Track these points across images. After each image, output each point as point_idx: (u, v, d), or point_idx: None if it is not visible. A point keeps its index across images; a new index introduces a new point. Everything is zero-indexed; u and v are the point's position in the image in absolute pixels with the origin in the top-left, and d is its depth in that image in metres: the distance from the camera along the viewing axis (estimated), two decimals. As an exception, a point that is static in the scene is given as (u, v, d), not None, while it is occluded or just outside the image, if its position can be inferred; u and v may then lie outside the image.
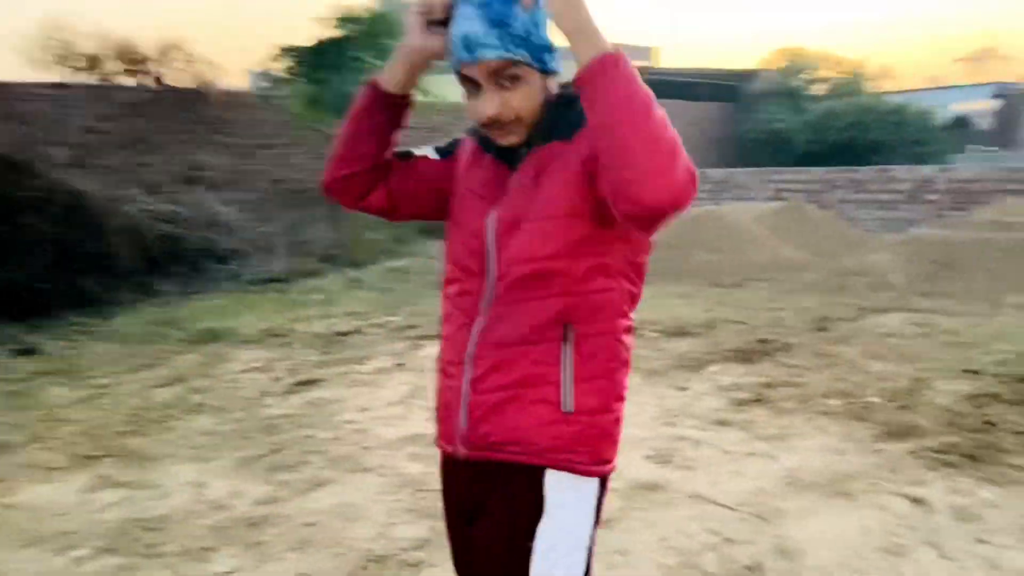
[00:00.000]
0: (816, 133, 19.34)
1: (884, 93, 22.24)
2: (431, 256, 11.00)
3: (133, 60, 12.47)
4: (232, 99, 12.76)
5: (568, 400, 1.36)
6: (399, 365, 5.54)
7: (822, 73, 22.43)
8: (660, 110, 1.18)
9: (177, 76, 12.66)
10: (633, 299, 1.44)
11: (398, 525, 3.13)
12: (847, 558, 2.79)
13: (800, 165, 15.36)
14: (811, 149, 18.90)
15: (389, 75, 1.47)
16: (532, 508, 1.35)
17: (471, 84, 1.36)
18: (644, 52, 32.77)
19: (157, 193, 10.48)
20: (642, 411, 4.35)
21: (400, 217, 1.63)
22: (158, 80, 12.54)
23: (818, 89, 22.19)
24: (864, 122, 18.90)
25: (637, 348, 5.71)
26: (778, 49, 22.30)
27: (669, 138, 1.17)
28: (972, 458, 3.58)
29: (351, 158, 1.52)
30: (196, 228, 9.42)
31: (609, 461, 1.41)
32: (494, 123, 1.37)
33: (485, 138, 1.48)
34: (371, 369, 5.46)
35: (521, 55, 1.32)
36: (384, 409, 4.60)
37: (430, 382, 5.06)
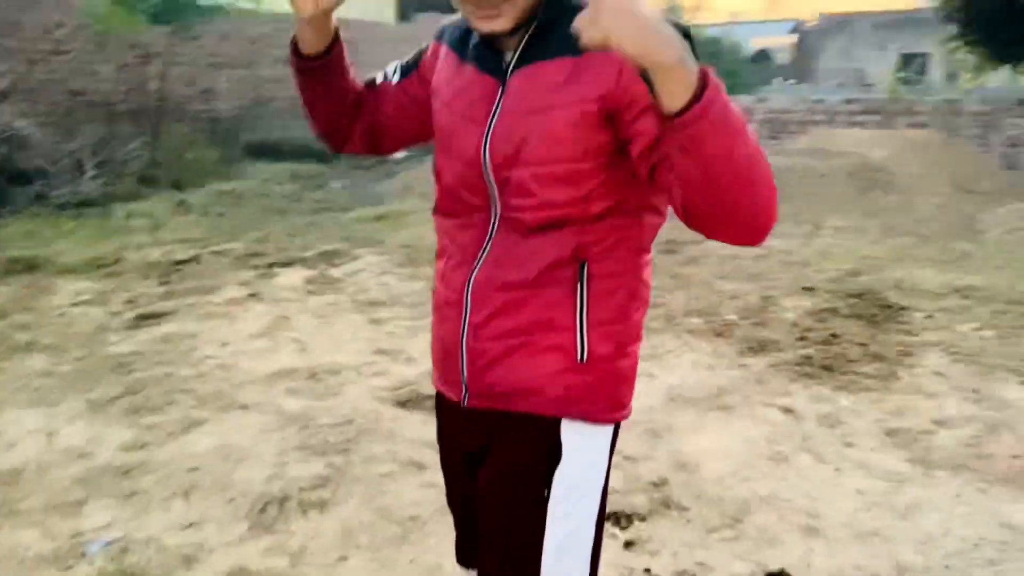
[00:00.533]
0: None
1: (697, 26, 23.17)
2: (264, 178, 10.37)
3: None
4: (17, -4, 11.15)
5: (583, 347, 1.24)
6: (252, 295, 5.19)
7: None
8: (754, 137, 0.98)
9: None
10: (654, 230, 1.29)
11: (291, 464, 2.96)
12: (738, 468, 2.95)
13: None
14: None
15: (301, 38, 1.33)
16: (547, 456, 1.26)
17: None
18: None
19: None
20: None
21: (388, 150, 1.49)
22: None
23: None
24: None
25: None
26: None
27: (768, 177, 1.00)
28: (826, 368, 3.89)
29: (314, 119, 1.44)
30: (-12, 144, 8.26)
31: (625, 405, 1.32)
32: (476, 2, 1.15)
33: (461, 41, 1.30)
34: (222, 300, 5.08)
35: None
36: (246, 343, 4.31)
37: (292, 313, 4.84)
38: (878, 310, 4.76)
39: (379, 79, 1.44)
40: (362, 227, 7.50)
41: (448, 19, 1.39)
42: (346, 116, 1.42)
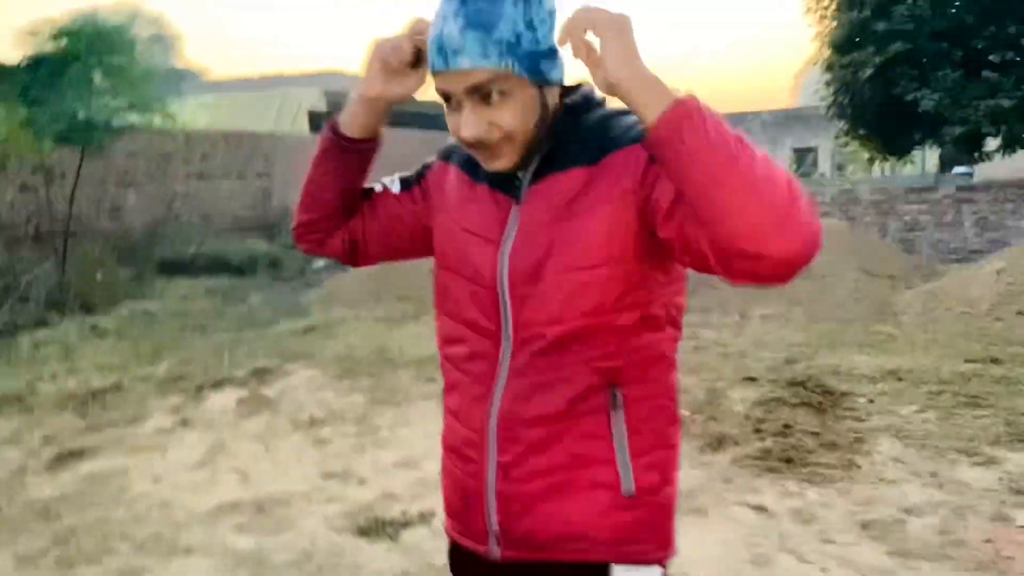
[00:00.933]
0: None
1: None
2: (180, 295, 10.02)
3: None
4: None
5: (628, 480, 1.16)
6: (183, 422, 4.90)
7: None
8: (757, 147, 0.97)
9: None
10: (677, 344, 1.23)
11: (251, 612, 2.71)
12: (724, 572, 2.86)
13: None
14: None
15: (349, 119, 1.28)
16: None
17: (444, 98, 1.15)
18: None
19: None
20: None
21: (369, 260, 1.42)
22: None
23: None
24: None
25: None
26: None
27: (782, 177, 0.96)
28: (787, 461, 3.88)
29: (311, 205, 1.36)
30: None
31: (673, 541, 1.24)
32: (477, 145, 1.14)
33: (470, 161, 1.25)
34: (150, 430, 4.77)
35: (506, 65, 1.07)
36: (183, 476, 4.02)
37: (228, 439, 4.56)
38: (822, 397, 4.84)
39: (377, 188, 1.40)
40: (291, 341, 7.26)
41: (446, 145, 1.37)
42: (344, 213, 1.36)
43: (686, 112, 0.94)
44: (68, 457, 4.30)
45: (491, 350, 1.19)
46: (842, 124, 12.70)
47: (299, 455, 4.29)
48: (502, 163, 1.16)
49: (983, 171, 16.04)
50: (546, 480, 1.16)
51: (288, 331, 7.76)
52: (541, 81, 1.13)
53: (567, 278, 1.13)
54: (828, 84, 12.21)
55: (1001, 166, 13.81)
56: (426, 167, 1.39)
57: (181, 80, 10.20)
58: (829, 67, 12.08)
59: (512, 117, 1.11)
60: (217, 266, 12.03)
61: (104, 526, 3.41)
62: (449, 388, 1.29)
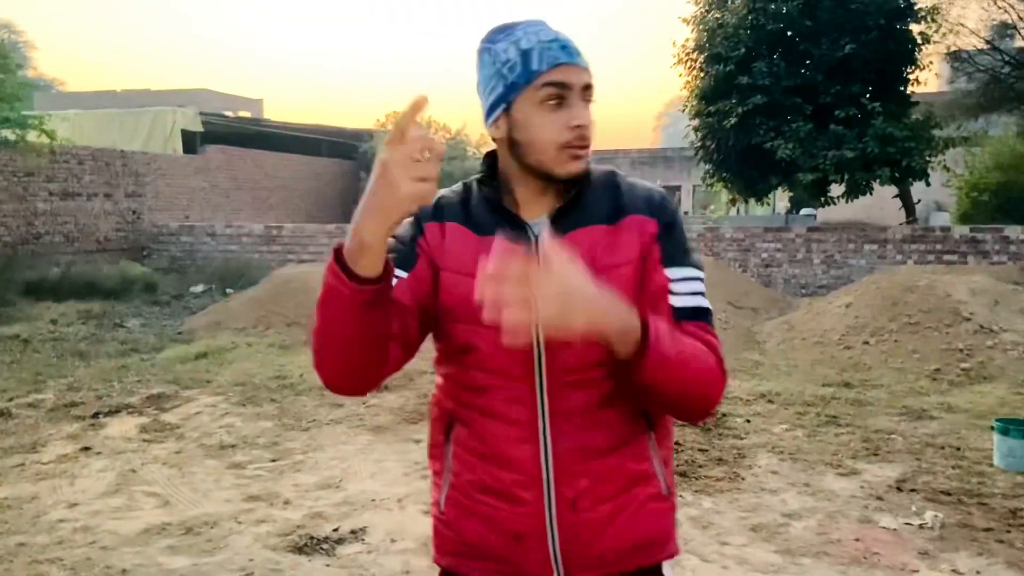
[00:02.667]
0: (430, 192, 20.78)
1: (478, 158, 24.76)
2: (51, 319, 9.55)
3: None
4: None
5: (666, 487, 1.33)
6: (85, 449, 4.80)
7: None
8: (700, 349, 1.22)
9: None
10: None
11: (204, 626, 2.80)
12: (640, 574, 3.20)
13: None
14: (426, 207, 20.24)
15: (368, 259, 1.10)
16: None
17: (555, 96, 1.24)
18: (253, 104, 32.22)
19: None
20: (388, 469, 4.42)
21: (413, 355, 1.34)
22: None
23: (425, 152, 23.85)
24: (470, 184, 20.83)
25: (352, 406, 5.72)
26: (391, 112, 23.64)
27: (716, 372, 1.23)
28: (682, 475, 4.30)
29: (345, 363, 1.23)
30: None
31: None
32: (577, 141, 1.24)
33: (464, 215, 1.32)
34: (51, 457, 4.66)
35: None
36: (99, 501, 3.99)
37: (138, 465, 4.52)
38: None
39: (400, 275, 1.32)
40: (183, 368, 7.14)
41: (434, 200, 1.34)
42: (385, 351, 1.23)
43: (651, 358, 1.12)
44: (-32, 486, 4.15)
45: (527, 394, 1.27)
46: (708, 167, 13.72)
47: (217, 479, 4.33)
48: (580, 165, 1.27)
49: (826, 214, 17.64)
50: (613, 504, 1.28)
51: (177, 357, 7.61)
52: None
53: None
54: (696, 130, 13.21)
55: (841, 209, 15.25)
56: (416, 235, 1.33)
57: (34, 91, 9.83)
58: (696, 114, 13.06)
59: (593, 123, 1.28)
60: (87, 289, 11.51)
61: (29, 551, 3.37)
62: (472, 435, 1.31)
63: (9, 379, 6.60)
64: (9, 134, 9.43)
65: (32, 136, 9.77)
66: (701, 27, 12.75)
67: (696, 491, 4.09)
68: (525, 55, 1.25)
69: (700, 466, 4.44)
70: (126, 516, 3.81)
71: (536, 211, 1.32)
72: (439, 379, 1.39)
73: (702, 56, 12.79)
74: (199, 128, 18.18)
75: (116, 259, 13.67)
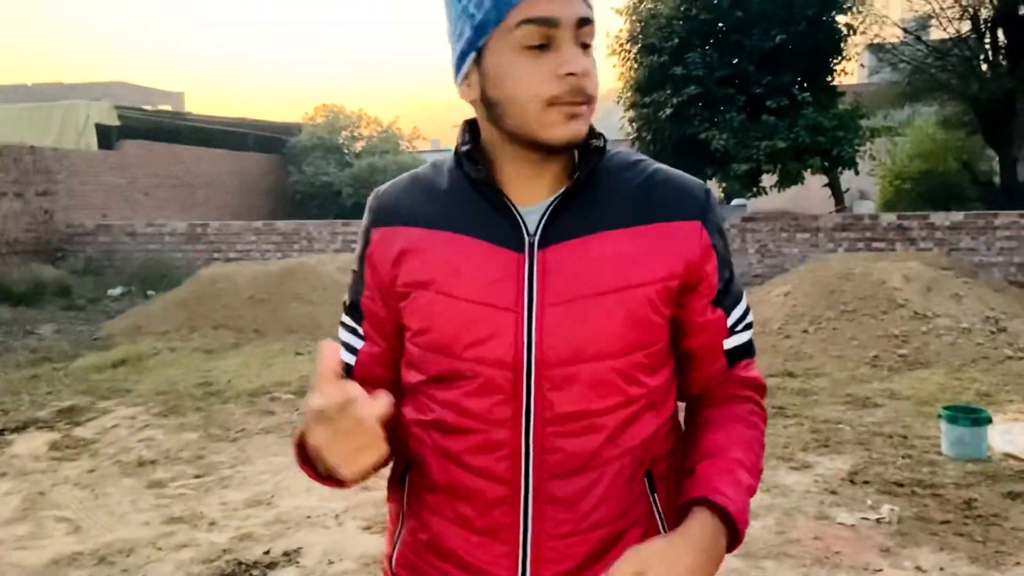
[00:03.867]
0: (362, 187, 20.35)
1: (415, 152, 24.39)
2: (-47, 328, 8.89)
3: None
4: None
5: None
6: (-13, 471, 4.39)
7: (361, 131, 23.74)
8: (755, 424, 1.10)
9: None
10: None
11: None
12: None
13: (347, 217, 15.91)
14: (358, 201, 19.82)
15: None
16: None
17: (539, 36, 0.93)
18: (174, 97, 31.09)
19: None
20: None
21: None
22: None
23: (357, 146, 23.41)
24: (402, 178, 20.46)
25: (284, 413, 5.40)
26: (319, 105, 23.01)
27: (764, 427, 1.13)
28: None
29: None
30: None
31: None
32: (577, 92, 0.94)
33: (428, 210, 1.04)
34: (-52, 481, 4.23)
35: (593, 11, 0.97)
36: (2, 530, 3.62)
37: (47, 487, 4.14)
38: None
39: (347, 357, 1.11)
40: (100, 376, 6.69)
41: (379, 196, 1.11)
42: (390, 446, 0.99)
43: (744, 522, 0.98)
44: None
45: (509, 439, 1.00)
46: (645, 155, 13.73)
47: (134, 500, 3.99)
48: (580, 127, 0.97)
49: (755, 204, 17.88)
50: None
51: (93, 365, 7.13)
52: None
53: (626, 360, 1.01)
54: (632, 121, 13.15)
55: (771, 199, 15.46)
56: (360, 261, 1.10)
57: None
58: (632, 106, 13.01)
59: (597, 76, 0.98)
60: (-6, 294, 10.82)
61: (-85, 595, 3.01)
62: (438, 486, 1.06)
63: (-97, 395, 6.06)
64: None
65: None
66: (635, 18, 12.69)
67: (649, 493, 3.93)
68: None
69: (651, 466, 4.29)
70: (33, 545, 3.45)
71: (532, 196, 1.01)
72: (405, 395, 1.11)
73: (636, 47, 12.74)
74: (115, 122, 17.35)
75: (27, 262, 12.90)
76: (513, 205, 1.01)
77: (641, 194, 1.04)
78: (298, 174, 20.81)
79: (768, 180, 13.46)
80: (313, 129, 21.83)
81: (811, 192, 15.77)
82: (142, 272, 12.46)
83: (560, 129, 0.96)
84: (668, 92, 12.00)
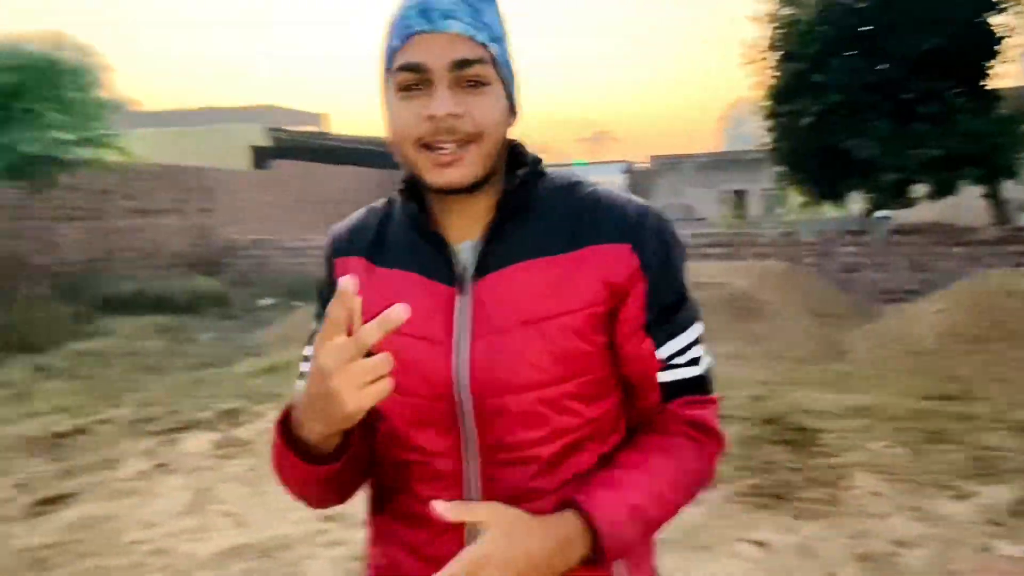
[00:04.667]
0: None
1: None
2: (126, 334, 9.71)
3: None
4: None
5: None
6: (160, 466, 4.78)
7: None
8: (682, 457, 1.03)
9: None
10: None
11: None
12: (742, 609, 2.96)
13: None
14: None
15: (313, 439, 0.91)
16: None
17: (412, 81, 0.95)
18: (316, 118, 32.77)
19: None
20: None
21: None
22: None
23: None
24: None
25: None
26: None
27: (704, 468, 1.06)
28: (778, 497, 4.03)
29: (337, 501, 1.08)
30: None
31: None
32: (443, 132, 0.94)
33: (376, 245, 1.07)
34: (128, 474, 4.64)
35: (494, 50, 0.97)
36: (174, 522, 3.93)
37: (213, 483, 4.46)
38: (795, 434, 5.03)
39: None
40: (255, 382, 7.14)
41: (336, 228, 1.15)
42: (364, 468, 1.06)
43: (611, 540, 0.94)
44: (47, 504, 4.15)
45: (452, 468, 1.01)
46: (781, 169, 13.27)
47: (290, 499, 4.22)
48: (458, 172, 0.96)
49: (902, 216, 16.94)
50: None
51: (248, 371, 7.62)
52: (510, 98, 1.02)
53: (553, 391, 0.99)
54: (769, 131, 12.77)
55: (920, 211, 14.59)
56: (322, 292, 1.12)
57: (111, 112, 10.04)
58: (769, 115, 12.64)
59: (488, 112, 0.96)
60: (161, 304, 11.71)
61: (103, 575, 3.31)
62: (399, 512, 1.06)
63: (86, 395, 6.68)
64: (86, 153, 9.64)
65: (108, 154, 9.99)
66: (772, 25, 12.34)
67: (796, 516, 3.81)
68: (392, 27, 0.98)
69: (796, 487, 4.15)
70: (202, 538, 3.73)
71: (467, 230, 1.03)
72: None
73: (774, 55, 12.38)
74: (267, 143, 18.50)
75: (188, 274, 13.91)
76: (443, 239, 1.02)
77: (573, 218, 1.02)
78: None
79: (917, 191, 12.73)
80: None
81: (964, 204, 14.79)
82: (290, 284, 13.18)
83: (433, 175, 0.97)
84: (808, 100, 11.57)
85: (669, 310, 1.03)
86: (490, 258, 1.01)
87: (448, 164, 0.95)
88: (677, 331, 1.05)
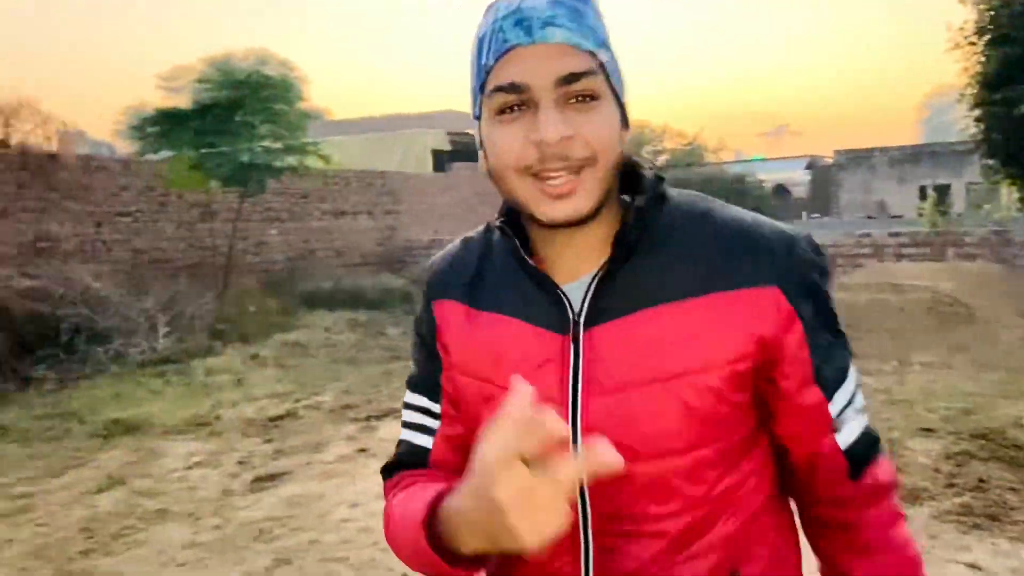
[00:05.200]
0: (668, 201, 20.40)
1: (716, 164, 24.01)
2: (324, 327, 10.45)
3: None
4: (88, 163, 11.71)
5: None
6: (362, 451, 5.12)
7: (665, 145, 23.92)
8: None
9: (27, 137, 11.50)
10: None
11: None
12: (956, 633, 2.78)
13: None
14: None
15: (471, 539, 0.74)
16: None
17: (513, 102, 0.83)
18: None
19: (5, 266, 9.33)
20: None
21: None
22: (2, 143, 11.32)
23: (660, 160, 23.60)
24: (708, 190, 20.09)
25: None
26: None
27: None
28: (991, 518, 3.73)
29: None
30: (67, 305, 8.42)
31: None
32: (554, 159, 0.82)
33: (473, 288, 0.97)
34: (333, 457, 5.01)
35: (603, 56, 0.84)
36: (376, 503, 4.20)
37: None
38: (1014, 451, 4.62)
39: (434, 427, 1.00)
40: (441, 376, 7.46)
41: (434, 262, 1.07)
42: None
43: None
44: (265, 481, 4.56)
45: (569, 535, 0.82)
46: (992, 162, 12.17)
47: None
48: (573, 204, 0.84)
49: None
50: None
51: (435, 365, 7.98)
52: (622, 109, 0.88)
53: (685, 459, 0.87)
54: (978, 121, 11.75)
55: None
56: (423, 324, 1.03)
57: (310, 121, 10.82)
58: (978, 104, 11.63)
59: (603, 131, 0.84)
60: (354, 299, 12.51)
61: (319, 549, 3.60)
62: None
63: (293, 382, 7.26)
64: (292, 160, 10.49)
65: (310, 161, 10.84)
66: (982, 7, 11.33)
67: (1013, 539, 3.52)
68: (480, 44, 0.86)
69: (1012, 508, 3.83)
70: (401, 520, 3.96)
71: (575, 269, 0.90)
72: None
73: (984, 38, 11.37)
74: (447, 147, 19.25)
75: (376, 272, 14.77)
76: (552, 281, 0.90)
77: (704, 255, 0.87)
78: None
79: None
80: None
81: None
82: (469, 282, 13.65)
83: (546, 208, 0.84)
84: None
85: (831, 354, 0.89)
86: (606, 302, 0.88)
87: (562, 195, 0.83)
88: (842, 377, 0.90)
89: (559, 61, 0.81)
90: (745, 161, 26.92)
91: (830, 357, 0.89)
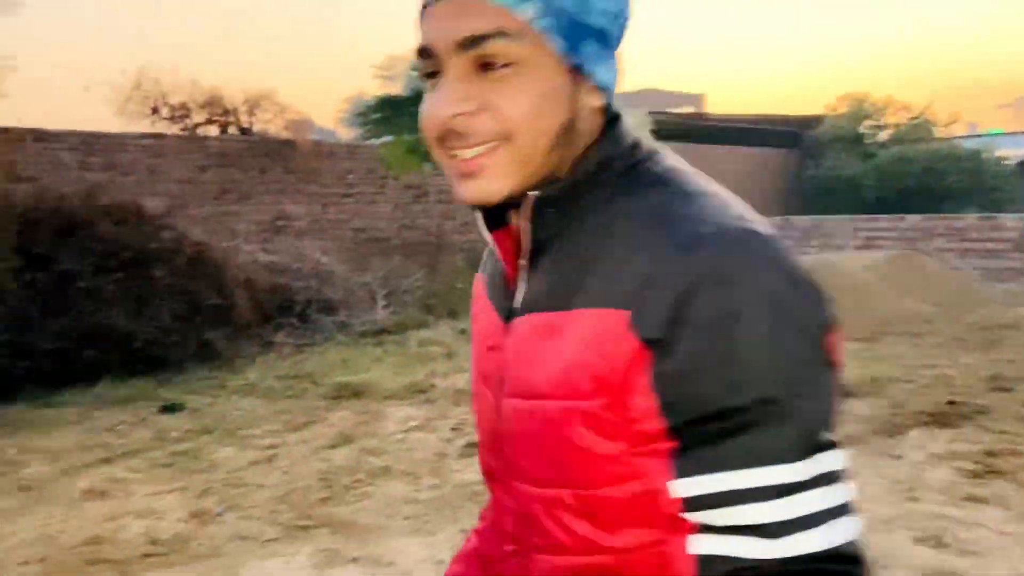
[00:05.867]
0: (886, 180, 19.05)
1: (946, 139, 21.94)
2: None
3: (223, 110, 12.60)
4: (320, 148, 12.81)
5: None
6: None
7: (888, 119, 22.23)
8: None
9: (266, 126, 12.76)
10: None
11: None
12: None
13: (869, 212, 15.01)
14: (882, 196, 18.61)
15: None
16: None
17: (429, 69, 0.73)
18: (695, 99, 32.94)
19: (250, 243, 10.46)
20: (868, 483, 4.07)
21: None
22: (245, 131, 12.63)
23: (883, 136, 21.96)
24: (937, 168, 18.57)
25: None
26: (842, 95, 22.17)
27: None
28: None
29: None
30: (301, 278, 9.33)
31: None
32: (454, 136, 0.71)
33: (488, 267, 0.92)
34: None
35: (527, 13, 0.68)
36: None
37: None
38: None
39: None
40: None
41: None
42: None
43: None
44: (476, 447, 4.85)
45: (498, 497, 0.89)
46: None
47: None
48: (482, 185, 0.72)
49: None
50: None
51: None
52: (576, 66, 0.72)
53: (545, 493, 0.79)
54: None
55: None
56: (471, 309, 0.99)
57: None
58: None
59: (520, 101, 0.69)
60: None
61: (528, 514, 3.81)
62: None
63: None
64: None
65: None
66: None
67: None
68: None
69: None
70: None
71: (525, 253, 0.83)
72: None
73: None
74: (649, 127, 19.05)
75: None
76: (501, 260, 0.82)
77: (591, 255, 0.73)
78: (815, 168, 20.35)
79: None
80: (834, 120, 21.10)
81: None
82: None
83: (456, 187, 0.74)
84: None
85: (707, 425, 0.66)
86: (533, 292, 0.77)
87: (469, 174, 0.72)
88: (719, 463, 0.66)
89: (458, 21, 0.69)
90: (981, 136, 24.44)
91: (701, 426, 0.66)
